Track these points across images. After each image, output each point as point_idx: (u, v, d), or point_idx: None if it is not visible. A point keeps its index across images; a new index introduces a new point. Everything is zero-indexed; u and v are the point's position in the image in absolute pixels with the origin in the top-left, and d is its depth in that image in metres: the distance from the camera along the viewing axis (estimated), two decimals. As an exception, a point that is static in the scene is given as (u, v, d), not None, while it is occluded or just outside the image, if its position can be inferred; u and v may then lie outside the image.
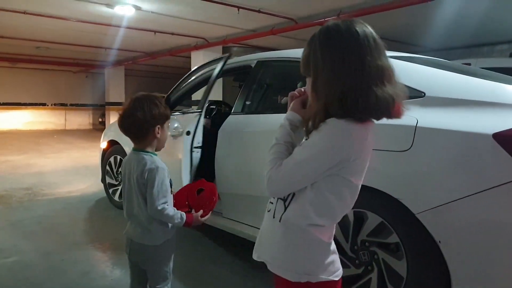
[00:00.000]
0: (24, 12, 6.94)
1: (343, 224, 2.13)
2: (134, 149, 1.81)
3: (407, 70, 2.19)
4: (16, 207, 4.45)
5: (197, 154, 3.00)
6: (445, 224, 1.75)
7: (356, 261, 2.10)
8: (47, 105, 16.76)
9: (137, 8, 6.68)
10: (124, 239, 1.87)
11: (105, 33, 8.39)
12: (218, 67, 3.09)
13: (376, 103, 1.05)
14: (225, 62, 3.10)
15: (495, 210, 1.65)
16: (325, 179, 1.13)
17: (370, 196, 2.02)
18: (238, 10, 6.48)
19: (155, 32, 8.63)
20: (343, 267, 2.10)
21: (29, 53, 12.45)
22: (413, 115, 1.89)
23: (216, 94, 8.37)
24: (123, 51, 11.06)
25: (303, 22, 7.20)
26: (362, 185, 1.94)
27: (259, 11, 6.68)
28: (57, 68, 15.23)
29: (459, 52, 8.73)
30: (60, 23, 7.67)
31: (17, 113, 16.00)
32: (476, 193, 1.66)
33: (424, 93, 1.98)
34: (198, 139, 3.01)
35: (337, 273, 1.24)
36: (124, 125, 1.77)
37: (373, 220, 2.01)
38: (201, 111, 3.04)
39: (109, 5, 6.54)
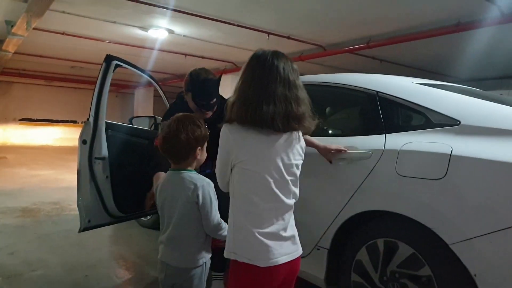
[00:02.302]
0: (63, 33, 7.28)
1: (372, 254, 2.07)
2: (174, 170, 1.79)
3: (441, 98, 2.16)
4: (44, 221, 4.55)
5: (98, 165, 2.88)
6: (482, 257, 1.68)
7: (385, 292, 2.02)
8: (77, 123, 17.28)
9: (170, 31, 6.89)
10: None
11: (137, 55, 8.67)
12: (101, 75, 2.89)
13: (260, 115, 1.38)
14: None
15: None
16: (233, 171, 1.45)
17: (401, 225, 1.97)
18: (268, 36, 6.59)
19: (185, 55, 8.87)
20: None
21: (64, 72, 12.99)
22: (448, 143, 1.86)
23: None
24: (154, 72, 11.38)
25: (332, 49, 7.26)
26: (393, 213, 1.90)
27: (288, 37, 6.78)
28: (89, 87, 15.76)
29: (490, 83, 8.59)
30: (96, 44, 7.98)
31: (48, 129, 16.58)
32: (515, 226, 1.59)
33: (459, 121, 1.94)
34: (99, 150, 2.89)
35: (268, 261, 1.39)
36: (167, 147, 1.76)
37: (404, 250, 1.95)
38: (96, 119, 2.86)
39: (143, 28, 6.78)
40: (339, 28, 6.26)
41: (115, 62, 2.93)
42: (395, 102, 2.21)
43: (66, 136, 16.67)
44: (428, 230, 1.83)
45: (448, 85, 2.59)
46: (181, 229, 1.73)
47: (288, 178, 1.47)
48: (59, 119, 17.00)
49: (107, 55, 2.94)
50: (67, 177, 7.67)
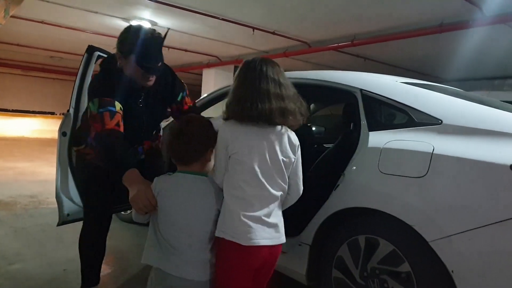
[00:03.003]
0: (42, 22, 7.08)
1: (353, 250, 2.10)
2: (187, 172, 1.68)
3: (424, 97, 2.19)
4: (21, 214, 4.43)
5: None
6: (460, 254, 1.71)
7: (365, 288, 2.05)
8: (56, 114, 16.90)
9: (153, 23, 6.79)
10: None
11: (119, 47, 8.51)
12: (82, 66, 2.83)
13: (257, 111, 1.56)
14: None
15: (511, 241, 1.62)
16: (228, 162, 1.62)
17: (383, 223, 1.99)
18: (253, 31, 6.57)
19: (168, 48, 8.74)
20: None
21: (43, 62, 12.65)
22: (430, 142, 1.88)
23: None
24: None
25: (316, 46, 7.28)
26: (375, 210, 1.94)
27: (273, 33, 6.77)
28: (68, 78, 15.41)
29: (472, 83, 8.76)
30: (76, 34, 7.81)
31: (25, 121, 16.11)
32: (492, 224, 1.62)
33: (441, 121, 1.97)
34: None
35: (249, 241, 1.56)
36: (180, 145, 1.67)
37: (385, 247, 1.97)
38: (76, 111, 2.78)
39: (125, 19, 6.66)
40: (324, 25, 6.29)
41: (97, 53, 2.87)
42: (379, 100, 2.23)
43: (43, 128, 16.20)
44: (409, 228, 1.85)
45: (431, 84, 2.63)
46: (200, 238, 1.64)
47: (274, 171, 1.63)
48: (37, 110, 16.57)
49: (89, 46, 2.86)
50: (45, 170, 7.50)
